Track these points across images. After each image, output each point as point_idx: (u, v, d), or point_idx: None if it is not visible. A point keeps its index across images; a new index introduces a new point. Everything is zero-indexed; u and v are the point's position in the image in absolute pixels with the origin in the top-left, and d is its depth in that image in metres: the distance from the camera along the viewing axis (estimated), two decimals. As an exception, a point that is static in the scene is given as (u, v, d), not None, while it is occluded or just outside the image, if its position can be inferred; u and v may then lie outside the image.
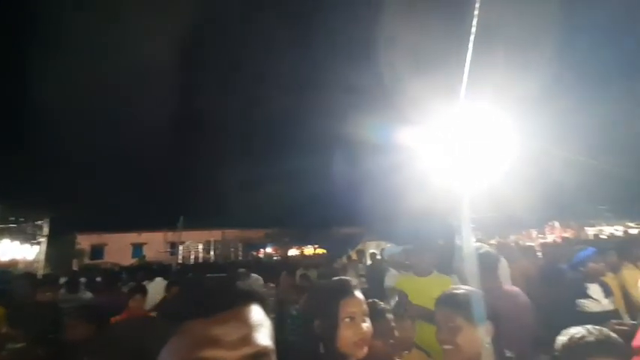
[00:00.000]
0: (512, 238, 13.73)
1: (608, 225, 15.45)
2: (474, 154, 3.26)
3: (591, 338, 1.14)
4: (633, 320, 2.72)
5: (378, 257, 8.58)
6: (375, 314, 1.39)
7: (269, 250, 24.37)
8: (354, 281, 1.19)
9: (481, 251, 2.45)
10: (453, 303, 1.23)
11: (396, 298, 2.30)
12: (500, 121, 3.09)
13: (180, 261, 18.23)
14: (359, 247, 15.35)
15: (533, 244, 9.71)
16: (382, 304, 1.47)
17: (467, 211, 3.38)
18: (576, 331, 1.20)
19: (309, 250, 22.51)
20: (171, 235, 21.17)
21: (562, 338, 1.23)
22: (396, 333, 1.43)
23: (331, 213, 23.39)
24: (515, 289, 2.40)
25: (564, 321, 1.94)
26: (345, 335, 1.08)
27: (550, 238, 14.52)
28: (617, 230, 14.26)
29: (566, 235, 14.76)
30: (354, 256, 10.74)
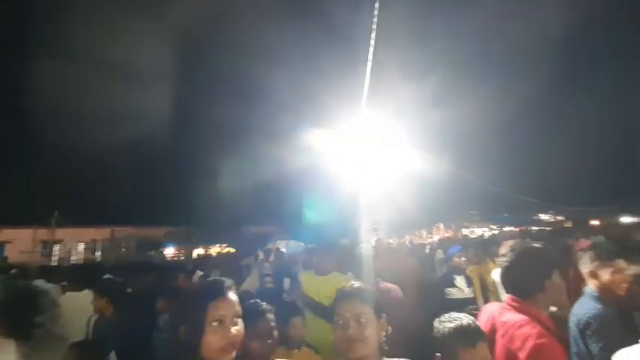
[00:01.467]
0: (407, 237, 15.41)
1: (478, 227, 18.61)
2: (375, 159, 3.54)
3: (465, 323, 1.26)
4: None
5: (286, 256, 8.58)
6: (255, 315, 1.35)
7: (171, 249, 22.41)
8: (228, 282, 1.11)
9: (361, 250, 2.63)
10: (361, 296, 1.20)
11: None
12: (396, 131, 3.42)
13: (55, 263, 15.55)
14: (269, 246, 15.21)
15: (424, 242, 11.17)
16: (264, 305, 1.44)
17: (366, 211, 3.64)
18: (454, 317, 1.30)
19: (215, 250, 21.41)
20: (43, 233, 17.80)
21: (445, 325, 1.28)
22: (276, 333, 1.41)
23: (241, 212, 22.77)
24: (390, 285, 2.61)
25: (437, 307, 2.24)
26: (211, 340, 1.01)
27: (436, 238, 16.80)
28: (485, 231, 17.31)
29: (447, 235, 17.25)
30: (261, 256, 10.57)
